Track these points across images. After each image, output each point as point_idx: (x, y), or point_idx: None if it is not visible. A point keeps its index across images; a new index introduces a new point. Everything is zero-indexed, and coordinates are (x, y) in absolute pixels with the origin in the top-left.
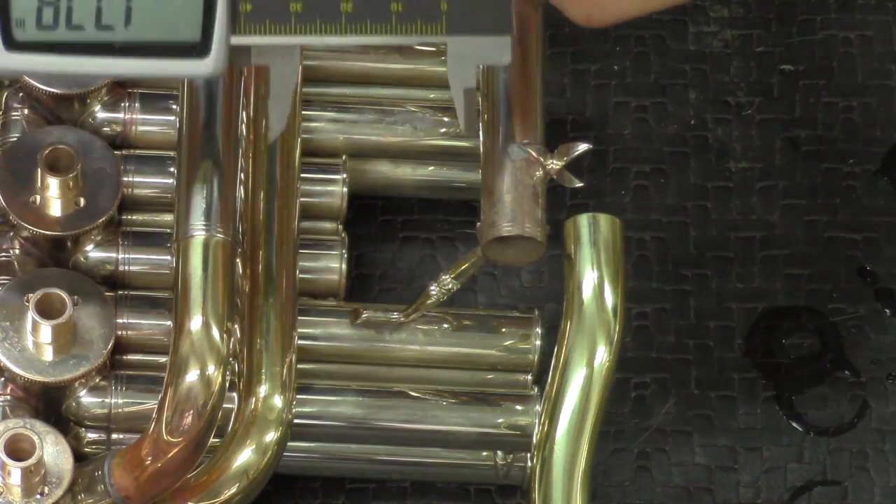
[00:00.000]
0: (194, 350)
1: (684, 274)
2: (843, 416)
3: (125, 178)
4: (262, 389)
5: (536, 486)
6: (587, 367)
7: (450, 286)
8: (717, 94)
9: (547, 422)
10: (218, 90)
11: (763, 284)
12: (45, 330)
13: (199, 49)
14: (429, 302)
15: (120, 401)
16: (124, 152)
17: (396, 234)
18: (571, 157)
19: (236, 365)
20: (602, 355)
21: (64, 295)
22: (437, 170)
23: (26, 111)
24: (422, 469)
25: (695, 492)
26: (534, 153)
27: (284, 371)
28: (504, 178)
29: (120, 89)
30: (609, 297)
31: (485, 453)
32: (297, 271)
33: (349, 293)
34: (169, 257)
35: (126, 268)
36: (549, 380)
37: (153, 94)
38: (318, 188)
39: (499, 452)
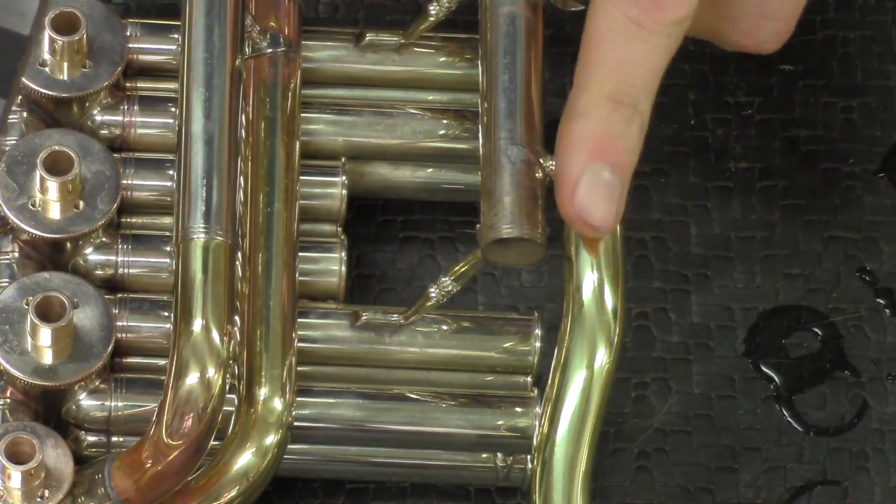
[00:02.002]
0: (194, 353)
1: (684, 274)
2: (843, 416)
3: (124, 181)
4: (263, 392)
5: (537, 487)
6: (587, 369)
7: (449, 288)
8: (717, 94)
9: (547, 424)
10: (217, 92)
11: (763, 284)
12: (45, 333)
13: None
14: (428, 304)
15: (120, 404)
16: (123, 155)
17: (396, 234)
18: None
19: (236, 367)
20: (602, 357)
21: (63, 298)
22: (437, 172)
23: (25, 114)
24: (422, 471)
25: (695, 492)
26: (533, 155)
27: (284, 373)
28: (503, 179)
29: (119, 92)
30: (609, 299)
31: (485, 455)
32: (297, 273)
33: (349, 293)
34: (168, 260)
35: (126, 270)
36: (549, 382)
37: (152, 97)
38: (318, 191)
39: (499, 454)
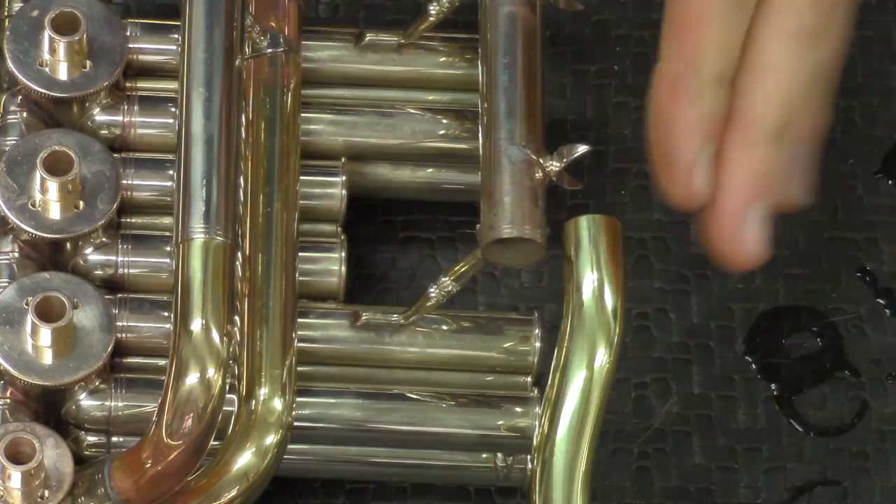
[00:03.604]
0: (194, 353)
1: (684, 274)
2: (843, 416)
3: (124, 181)
4: (262, 392)
5: (537, 488)
6: (587, 369)
7: (449, 288)
8: None
9: (547, 424)
10: (217, 92)
11: (763, 284)
12: (45, 333)
13: None
14: (428, 304)
15: (120, 404)
16: (123, 155)
17: (396, 234)
18: (571, 159)
19: (236, 368)
20: (602, 357)
21: (63, 298)
22: (437, 172)
23: (25, 114)
24: (422, 471)
25: (695, 492)
26: (533, 155)
27: (284, 373)
28: (503, 180)
29: (119, 92)
30: (609, 299)
31: (485, 455)
32: (297, 273)
33: (349, 293)
34: (168, 260)
35: (126, 271)
36: (549, 382)
37: (152, 97)
38: (318, 191)
39: (499, 454)
